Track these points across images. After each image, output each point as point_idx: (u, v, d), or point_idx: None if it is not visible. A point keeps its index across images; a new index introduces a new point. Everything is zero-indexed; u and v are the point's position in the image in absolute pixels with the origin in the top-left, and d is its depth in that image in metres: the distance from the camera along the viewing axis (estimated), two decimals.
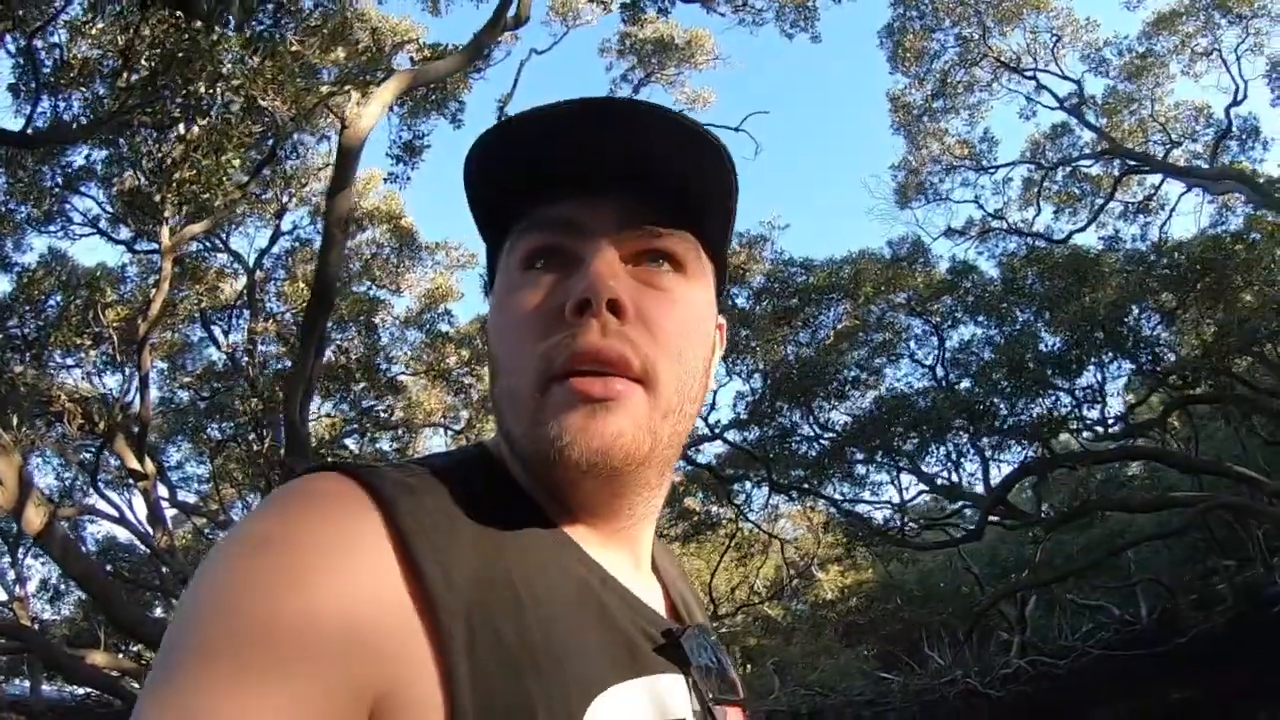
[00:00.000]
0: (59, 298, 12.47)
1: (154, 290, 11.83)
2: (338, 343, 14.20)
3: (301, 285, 13.73)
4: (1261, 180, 16.34)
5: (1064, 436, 16.29)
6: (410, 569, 0.60)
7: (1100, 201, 16.69)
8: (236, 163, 10.78)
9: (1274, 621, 14.73)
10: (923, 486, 16.12)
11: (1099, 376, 15.19)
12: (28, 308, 12.28)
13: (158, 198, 10.99)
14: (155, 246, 12.26)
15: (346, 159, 8.55)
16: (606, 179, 0.72)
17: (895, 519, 16.58)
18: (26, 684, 18.06)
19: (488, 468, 0.74)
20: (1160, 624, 16.90)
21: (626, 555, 0.79)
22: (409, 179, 13.21)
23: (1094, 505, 14.86)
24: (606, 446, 0.68)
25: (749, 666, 19.64)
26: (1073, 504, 15.18)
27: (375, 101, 8.82)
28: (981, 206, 17.41)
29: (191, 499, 17.81)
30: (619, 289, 0.69)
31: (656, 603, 0.80)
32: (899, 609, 18.46)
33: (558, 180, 0.72)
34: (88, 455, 13.86)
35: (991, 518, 15.59)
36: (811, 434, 15.44)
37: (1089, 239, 17.19)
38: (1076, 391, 14.94)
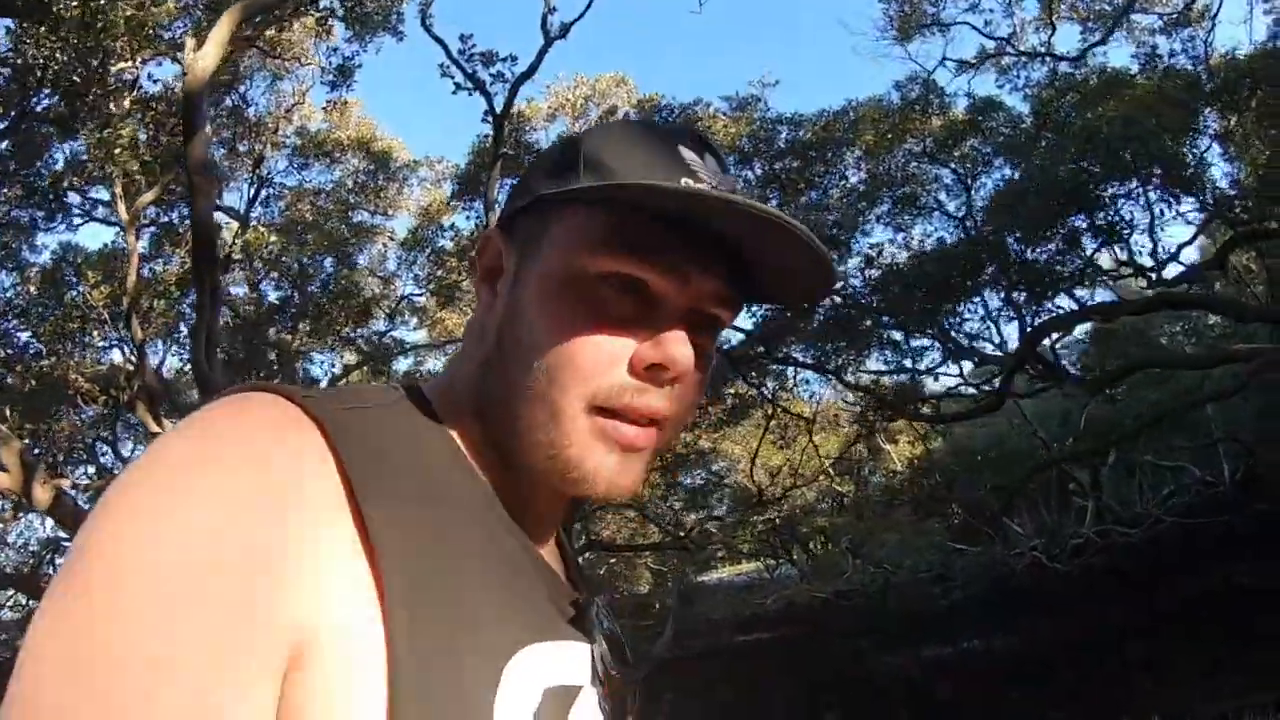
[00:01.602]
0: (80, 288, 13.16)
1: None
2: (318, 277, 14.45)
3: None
4: None
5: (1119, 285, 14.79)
6: (355, 508, 0.60)
7: (1122, 3, 14.36)
8: (126, 131, 10.99)
9: None
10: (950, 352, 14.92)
11: (1142, 214, 13.61)
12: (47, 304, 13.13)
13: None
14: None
15: (192, 105, 8.50)
16: (722, 251, 0.72)
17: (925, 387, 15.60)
18: None
19: (426, 414, 0.74)
20: (1244, 485, 15.43)
21: (543, 528, 0.81)
22: (345, 103, 13.04)
23: (1136, 364, 13.45)
24: (626, 490, 0.73)
25: (823, 545, 19.33)
26: (1113, 362, 13.82)
27: (211, 43, 8.69)
28: (991, 36, 15.32)
29: None
30: (686, 363, 0.71)
31: (561, 574, 0.82)
32: (971, 478, 17.45)
33: (681, 222, 0.70)
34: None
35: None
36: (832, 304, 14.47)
37: (1121, 58, 15.12)
38: (1115, 228, 13.43)
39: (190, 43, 9.06)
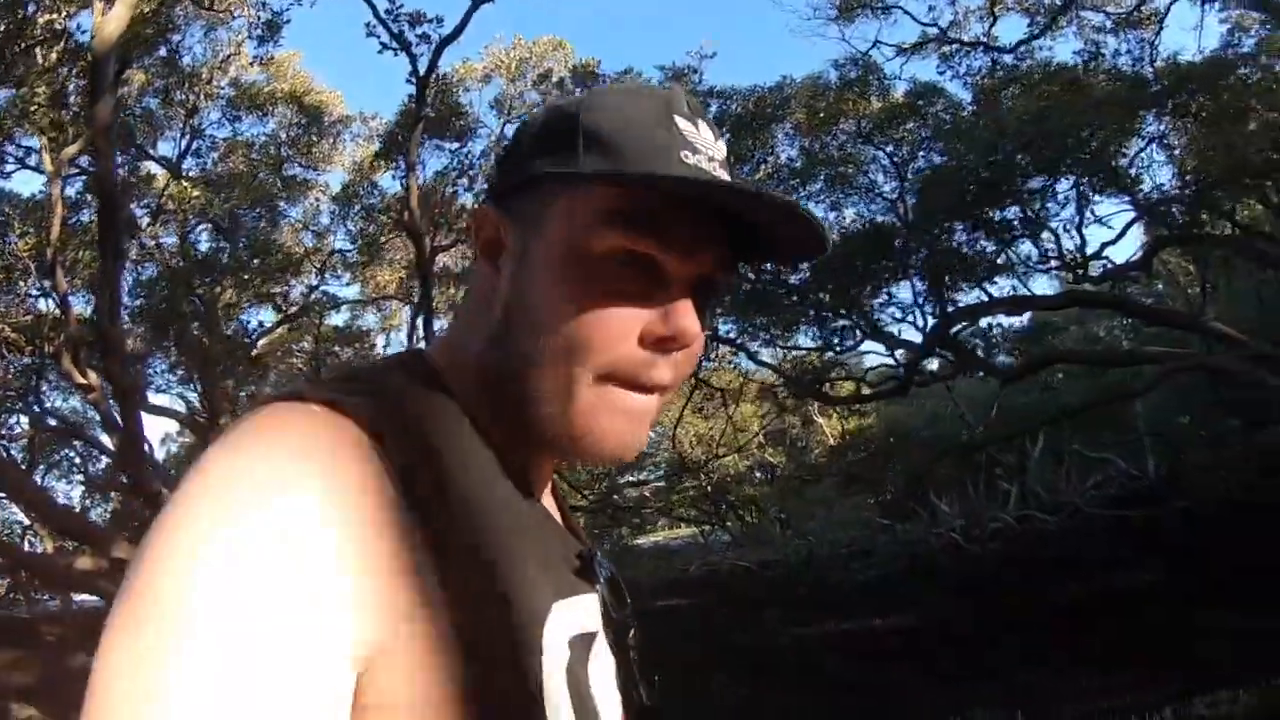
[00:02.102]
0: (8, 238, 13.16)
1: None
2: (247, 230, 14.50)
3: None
4: None
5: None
6: (408, 502, 0.62)
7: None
8: (41, 90, 11.04)
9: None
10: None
11: (1071, 210, 13.59)
12: None
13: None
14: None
15: (99, 67, 8.50)
16: (723, 221, 0.75)
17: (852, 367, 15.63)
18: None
19: (439, 386, 0.76)
20: (1169, 481, 15.45)
21: (543, 487, 0.85)
22: (274, 58, 13.01)
23: (1055, 358, 13.53)
24: (632, 453, 0.77)
25: (756, 515, 19.52)
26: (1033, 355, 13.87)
27: (120, 4, 8.70)
28: (929, 24, 15.12)
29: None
30: (694, 333, 0.74)
31: (561, 525, 0.86)
32: (899, 457, 17.55)
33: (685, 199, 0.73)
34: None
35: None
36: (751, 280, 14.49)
37: (1068, 53, 14.93)
38: (1040, 220, 13.42)
39: (99, 5, 9.05)
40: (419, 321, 13.39)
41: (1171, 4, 14.07)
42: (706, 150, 0.75)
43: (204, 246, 15.25)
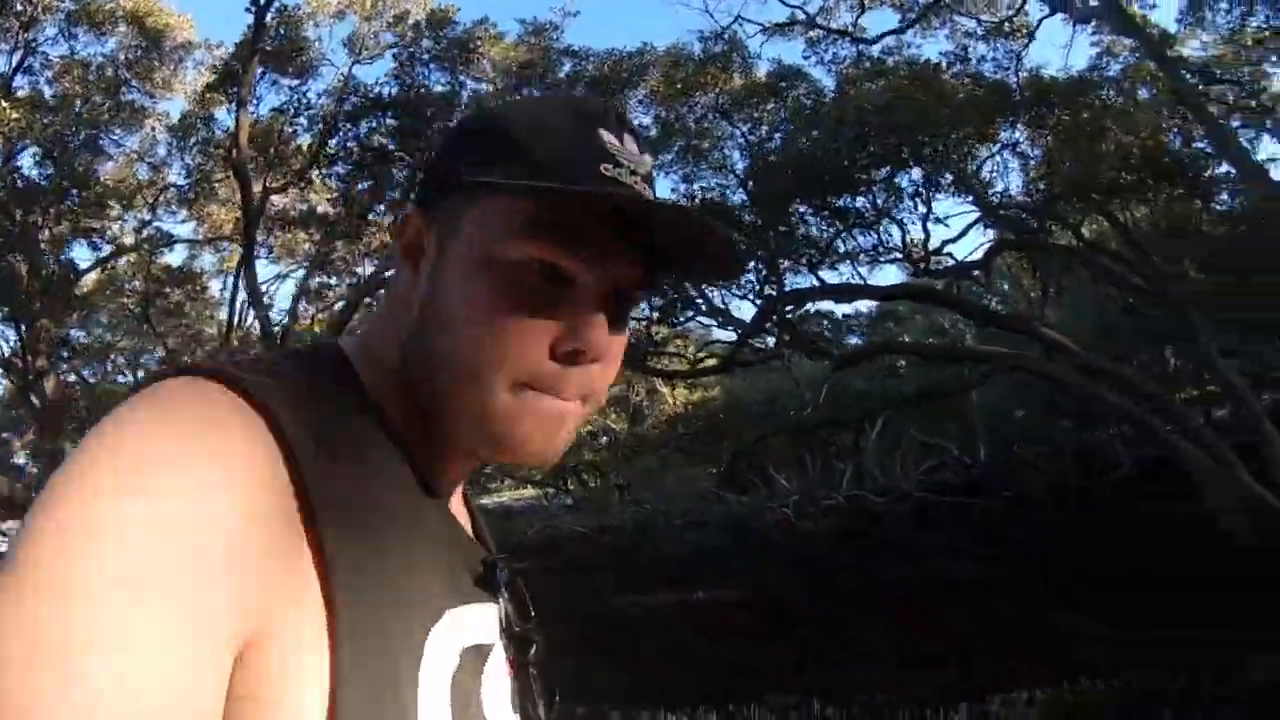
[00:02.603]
0: None
1: None
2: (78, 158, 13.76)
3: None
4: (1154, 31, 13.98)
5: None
6: (300, 496, 0.61)
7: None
8: None
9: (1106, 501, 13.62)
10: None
11: (918, 205, 13.79)
12: None
13: None
14: None
15: None
16: (638, 235, 0.73)
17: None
18: None
19: (351, 380, 0.75)
20: (1002, 474, 16.02)
21: (453, 490, 0.83)
22: None
23: (881, 348, 13.81)
24: (552, 457, 0.75)
25: (599, 479, 19.60)
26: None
27: None
28: (803, 8, 15.14)
29: None
30: (603, 346, 0.73)
31: (469, 531, 0.85)
32: (732, 431, 17.78)
33: (592, 208, 0.72)
34: None
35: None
36: None
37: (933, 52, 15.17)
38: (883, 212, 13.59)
39: None
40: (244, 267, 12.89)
41: (1043, 19, 14.39)
42: (629, 163, 0.75)
43: (32, 173, 14.29)
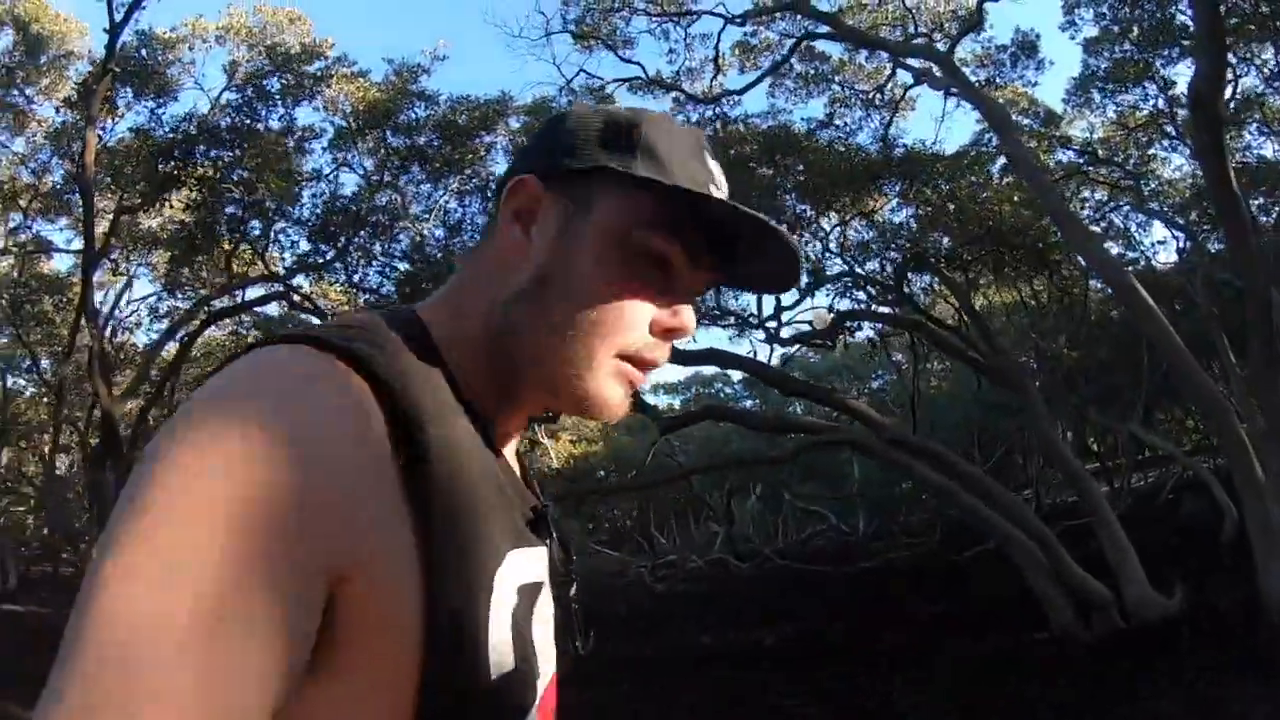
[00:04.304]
0: None
1: None
2: None
3: None
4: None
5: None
6: (400, 449, 0.66)
7: (778, 59, 14.20)
8: None
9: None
10: None
11: None
12: None
13: None
14: None
15: None
16: (729, 246, 0.83)
17: None
18: None
19: (422, 337, 0.78)
20: (879, 540, 15.68)
21: (509, 438, 0.88)
22: None
23: (711, 413, 13.58)
24: (621, 415, 0.83)
25: None
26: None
27: None
28: (672, 69, 15.09)
29: None
30: (694, 329, 0.85)
31: (521, 482, 0.88)
32: (621, 485, 17.45)
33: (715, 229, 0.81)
34: None
35: None
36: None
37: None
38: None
39: None
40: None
41: (908, 90, 14.22)
42: (723, 189, 0.85)
43: None
